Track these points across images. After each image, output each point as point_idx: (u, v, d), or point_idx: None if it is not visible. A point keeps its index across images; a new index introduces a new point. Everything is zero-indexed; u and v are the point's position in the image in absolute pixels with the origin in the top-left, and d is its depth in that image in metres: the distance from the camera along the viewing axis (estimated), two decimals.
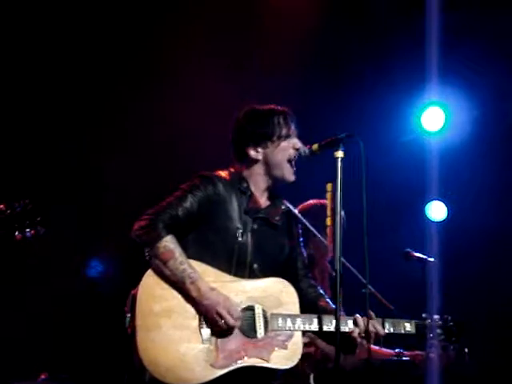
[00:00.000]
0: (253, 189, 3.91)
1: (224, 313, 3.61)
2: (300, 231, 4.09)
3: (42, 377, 5.76)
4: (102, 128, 6.89)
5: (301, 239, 4.09)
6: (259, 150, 3.91)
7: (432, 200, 7.01)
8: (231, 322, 3.62)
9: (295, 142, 3.91)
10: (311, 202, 4.90)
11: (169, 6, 6.79)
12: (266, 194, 3.97)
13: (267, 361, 3.68)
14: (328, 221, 3.68)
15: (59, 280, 6.77)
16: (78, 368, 6.34)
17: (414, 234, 6.31)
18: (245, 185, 3.88)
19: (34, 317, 6.67)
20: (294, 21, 6.82)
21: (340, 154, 3.65)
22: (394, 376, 5.38)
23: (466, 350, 4.19)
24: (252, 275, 3.80)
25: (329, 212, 3.68)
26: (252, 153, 3.92)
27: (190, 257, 3.72)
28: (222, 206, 3.80)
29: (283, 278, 3.83)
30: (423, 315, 3.97)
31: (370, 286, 4.64)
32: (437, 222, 6.97)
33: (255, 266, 3.81)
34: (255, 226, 3.84)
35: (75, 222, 6.82)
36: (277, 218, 3.94)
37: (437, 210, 7.07)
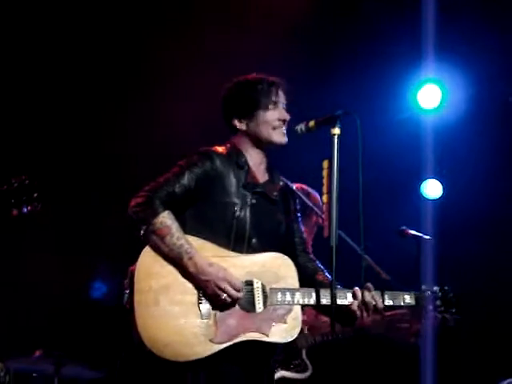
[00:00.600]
0: (250, 163, 3.90)
1: (225, 285, 3.60)
2: (298, 207, 4.09)
3: (37, 353, 5.77)
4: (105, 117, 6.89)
5: (298, 215, 4.08)
6: (243, 121, 3.91)
7: (427, 178, 7.00)
8: (234, 293, 3.62)
9: (282, 113, 3.90)
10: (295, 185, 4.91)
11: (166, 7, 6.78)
12: (262, 168, 3.96)
13: (267, 335, 3.67)
14: (324, 198, 3.66)
15: (56, 257, 6.78)
16: (73, 345, 6.35)
17: (410, 211, 6.31)
18: (242, 159, 3.88)
19: (28, 293, 6.68)
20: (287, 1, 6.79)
21: (337, 130, 3.63)
22: (387, 344, 5.42)
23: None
24: (250, 250, 3.79)
25: (325, 189, 3.66)
26: (237, 124, 3.93)
27: (187, 232, 3.71)
28: (220, 181, 3.79)
29: (282, 253, 3.83)
30: (422, 287, 3.96)
31: (367, 257, 4.69)
32: (432, 200, 6.97)
33: (254, 240, 3.81)
34: (253, 201, 3.83)
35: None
36: (275, 194, 3.94)
37: (432, 188, 7.06)
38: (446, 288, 4.02)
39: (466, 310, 4.03)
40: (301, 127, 3.83)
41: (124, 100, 6.88)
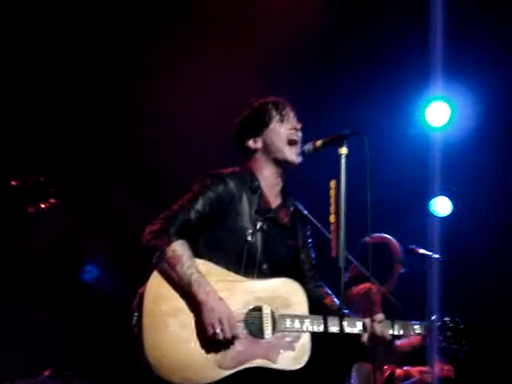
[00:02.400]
0: (263, 186, 3.89)
1: (225, 322, 3.57)
2: (308, 233, 4.08)
3: (46, 373, 5.75)
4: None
5: (309, 240, 4.07)
6: (257, 139, 3.92)
7: (436, 195, 6.99)
8: (228, 334, 3.57)
9: (292, 123, 3.92)
10: (366, 285, 4.92)
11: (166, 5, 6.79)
12: (276, 190, 3.95)
13: (274, 362, 3.66)
14: (331, 218, 3.65)
15: (64, 275, 6.78)
16: (82, 364, 6.34)
17: (419, 229, 6.29)
18: (256, 183, 3.87)
19: (38, 312, 6.68)
20: (297, 16, 6.79)
21: (344, 150, 3.62)
22: None
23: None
24: (261, 275, 3.78)
25: (332, 209, 3.65)
26: (251, 144, 3.93)
27: (198, 255, 3.71)
28: (233, 206, 3.79)
29: (291, 278, 3.82)
30: (433, 317, 3.93)
31: (378, 284, 4.66)
32: (441, 218, 6.95)
33: (264, 266, 3.80)
34: (265, 227, 3.83)
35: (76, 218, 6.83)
36: (286, 220, 3.94)
37: (441, 206, 7.05)
38: (457, 319, 3.99)
39: (476, 340, 3.99)
40: (308, 147, 3.83)
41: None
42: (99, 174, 6.88)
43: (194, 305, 3.61)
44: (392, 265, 5.21)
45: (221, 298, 3.62)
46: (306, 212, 4.11)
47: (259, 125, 3.92)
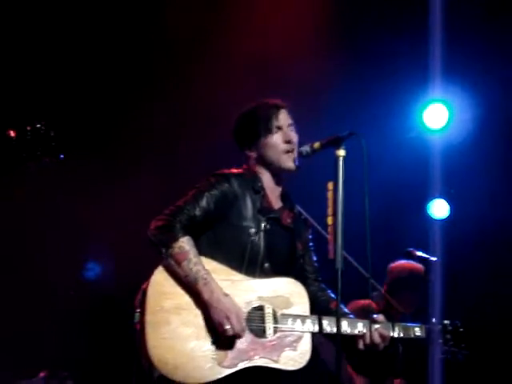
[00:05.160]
0: (265, 188, 3.91)
1: (233, 318, 3.58)
2: (310, 236, 4.09)
3: (42, 375, 5.74)
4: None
5: (311, 244, 4.08)
6: (253, 149, 3.94)
7: (434, 198, 6.98)
8: (238, 329, 3.59)
9: (286, 134, 3.91)
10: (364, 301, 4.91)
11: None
12: (276, 194, 3.97)
13: (276, 361, 3.66)
14: (329, 220, 3.64)
15: (60, 274, 6.76)
16: (78, 366, 6.32)
17: (417, 232, 6.28)
18: (259, 184, 3.89)
19: (34, 312, 6.66)
20: (297, 18, 6.81)
21: (342, 152, 3.61)
22: None
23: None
24: (263, 274, 3.79)
25: (330, 211, 3.64)
26: (249, 153, 3.96)
27: (202, 253, 3.71)
28: (237, 204, 3.80)
29: (296, 278, 3.83)
30: (433, 320, 3.92)
31: (379, 287, 4.66)
32: (439, 220, 6.94)
33: (266, 265, 3.81)
34: (268, 226, 3.84)
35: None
36: (289, 221, 3.95)
37: (439, 208, 7.04)
38: (457, 322, 3.98)
39: (474, 343, 3.97)
40: (306, 149, 3.82)
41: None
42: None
43: (198, 302, 3.62)
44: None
45: (226, 295, 3.62)
46: (306, 215, 4.11)
47: (250, 137, 3.94)
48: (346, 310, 3.92)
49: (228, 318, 3.57)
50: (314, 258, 4.08)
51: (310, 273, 4.03)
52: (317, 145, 3.78)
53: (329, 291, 4.01)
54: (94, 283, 7.10)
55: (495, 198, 6.89)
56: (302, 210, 4.08)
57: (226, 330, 3.57)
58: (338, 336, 3.57)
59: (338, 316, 3.57)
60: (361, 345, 3.81)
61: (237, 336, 3.60)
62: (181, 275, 3.64)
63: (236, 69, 6.68)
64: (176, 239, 3.65)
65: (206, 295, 3.60)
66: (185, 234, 3.68)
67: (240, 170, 3.92)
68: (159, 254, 3.67)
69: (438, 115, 6.92)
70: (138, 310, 3.64)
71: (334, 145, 3.65)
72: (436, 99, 6.87)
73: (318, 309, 3.84)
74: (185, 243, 3.66)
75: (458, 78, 6.72)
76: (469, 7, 6.60)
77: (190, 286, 3.63)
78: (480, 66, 6.70)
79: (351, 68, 6.95)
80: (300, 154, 3.85)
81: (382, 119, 6.84)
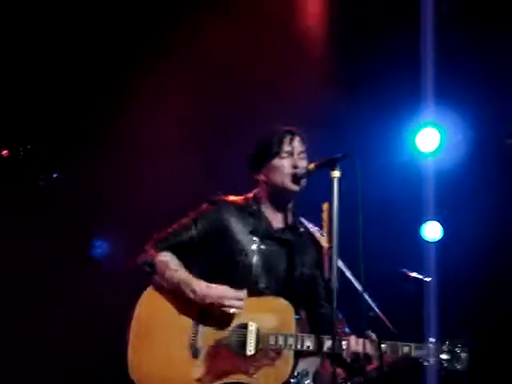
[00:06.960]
0: (267, 210, 3.99)
1: (228, 302, 3.69)
2: (319, 255, 4.05)
3: None
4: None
5: (322, 262, 4.06)
6: (263, 171, 4.00)
7: (427, 220, 7.02)
8: (237, 303, 3.71)
9: (293, 161, 3.93)
10: None
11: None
12: (281, 214, 4.02)
13: (254, 378, 3.72)
14: (323, 240, 3.68)
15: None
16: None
17: (410, 254, 6.31)
18: (254, 207, 3.98)
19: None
20: (293, 43, 6.87)
21: (337, 173, 3.64)
22: None
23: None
24: (257, 293, 3.85)
25: (325, 232, 3.68)
26: (257, 177, 4.04)
27: (198, 277, 3.82)
28: (227, 230, 3.90)
29: (299, 297, 3.90)
30: (430, 339, 3.90)
31: (375, 308, 4.66)
32: (432, 242, 6.98)
33: (262, 285, 3.88)
34: (262, 247, 3.91)
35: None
36: (291, 240, 3.99)
37: (432, 230, 7.08)
38: (454, 340, 3.98)
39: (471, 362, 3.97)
40: (300, 171, 3.87)
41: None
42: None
43: (189, 305, 3.75)
44: None
45: (208, 286, 3.74)
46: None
47: (261, 159, 4.00)
48: (346, 329, 3.96)
49: (221, 298, 3.69)
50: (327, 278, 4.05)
51: (322, 294, 4.03)
52: (311, 166, 3.84)
53: (339, 314, 4.03)
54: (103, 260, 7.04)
55: (487, 219, 6.93)
56: (309, 225, 4.07)
57: (226, 308, 3.69)
58: (335, 356, 3.61)
59: (334, 335, 3.59)
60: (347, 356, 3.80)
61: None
62: (165, 285, 3.80)
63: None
64: (157, 255, 3.85)
65: (191, 295, 3.74)
66: (167, 251, 3.86)
67: (238, 198, 4.02)
68: (147, 276, 3.84)
69: (430, 139, 6.99)
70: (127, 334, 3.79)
71: (329, 166, 3.68)
72: (428, 123, 6.94)
73: (327, 329, 3.79)
74: (166, 256, 3.86)
75: (450, 102, 6.79)
76: (461, 30, 6.67)
77: (175, 292, 3.77)
78: (471, 90, 6.76)
79: (344, 91, 7.01)
80: (294, 175, 3.89)
81: (375, 143, 6.88)
